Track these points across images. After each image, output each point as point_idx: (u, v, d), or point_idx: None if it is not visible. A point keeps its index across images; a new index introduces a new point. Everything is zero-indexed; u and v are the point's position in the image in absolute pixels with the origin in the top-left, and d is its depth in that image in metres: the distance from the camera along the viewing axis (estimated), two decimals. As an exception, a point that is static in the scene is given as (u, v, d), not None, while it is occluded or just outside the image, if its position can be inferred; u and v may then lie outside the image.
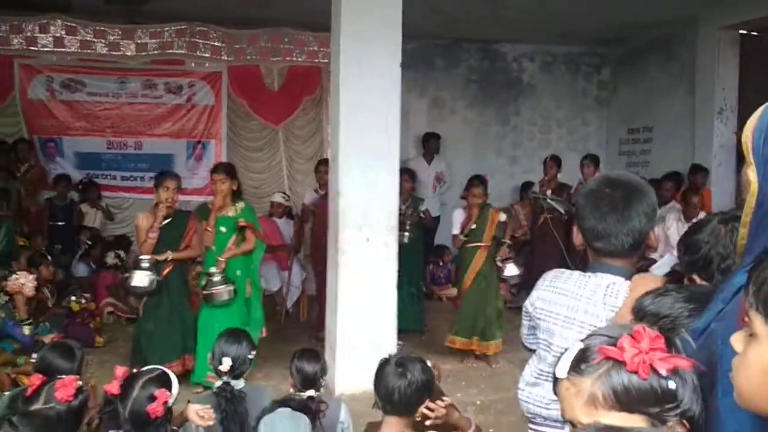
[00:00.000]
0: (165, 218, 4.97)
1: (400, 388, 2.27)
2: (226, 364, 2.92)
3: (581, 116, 9.78)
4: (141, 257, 4.86)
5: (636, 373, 1.02)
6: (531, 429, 2.02)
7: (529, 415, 2.02)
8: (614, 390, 1.03)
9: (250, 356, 3.05)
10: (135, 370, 2.47)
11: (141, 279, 4.81)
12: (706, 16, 7.64)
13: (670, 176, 7.43)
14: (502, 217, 5.89)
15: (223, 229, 5.04)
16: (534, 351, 2.09)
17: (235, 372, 2.96)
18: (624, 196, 1.84)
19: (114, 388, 2.39)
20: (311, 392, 2.90)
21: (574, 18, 7.88)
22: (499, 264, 5.81)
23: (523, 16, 7.76)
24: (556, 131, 9.69)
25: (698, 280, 1.65)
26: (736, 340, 0.99)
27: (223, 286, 4.92)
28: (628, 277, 1.82)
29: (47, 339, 4.93)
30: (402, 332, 6.27)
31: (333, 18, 4.95)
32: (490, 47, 9.34)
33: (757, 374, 0.93)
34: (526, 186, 8.55)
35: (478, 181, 5.86)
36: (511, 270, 5.89)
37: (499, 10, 7.42)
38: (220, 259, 4.99)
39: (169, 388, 2.45)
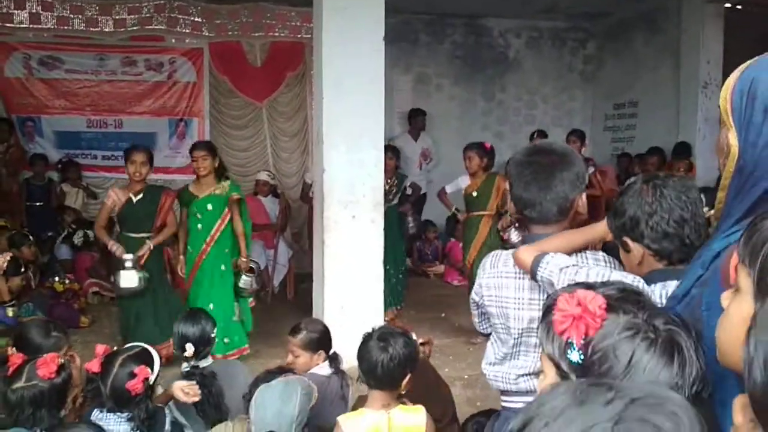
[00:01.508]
0: (137, 194, 4.89)
1: (382, 362, 2.30)
2: (189, 349, 2.91)
3: (567, 92, 9.76)
4: (124, 257, 4.74)
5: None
6: (503, 402, 2.04)
7: (500, 392, 2.04)
8: None
9: (212, 335, 3.04)
10: (116, 348, 2.46)
11: (129, 279, 4.73)
12: (691, -11, 7.62)
13: (653, 151, 7.46)
14: (506, 185, 5.89)
15: (209, 206, 4.94)
16: (488, 336, 2.12)
17: (199, 354, 2.94)
18: (548, 164, 1.87)
19: (95, 366, 2.40)
20: (332, 351, 2.97)
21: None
22: (502, 233, 5.80)
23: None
24: (541, 107, 9.67)
25: (630, 243, 1.64)
26: (725, 298, 0.99)
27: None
28: None
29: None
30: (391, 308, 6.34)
31: (315, -9, 4.87)
32: (475, 22, 9.26)
33: (736, 327, 0.92)
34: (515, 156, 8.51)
35: (471, 145, 5.85)
36: (515, 236, 5.89)
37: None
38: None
39: (151, 366, 2.44)
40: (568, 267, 1.70)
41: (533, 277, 1.78)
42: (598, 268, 1.73)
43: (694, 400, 0.99)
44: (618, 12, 8.89)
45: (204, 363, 2.97)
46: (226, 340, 4.88)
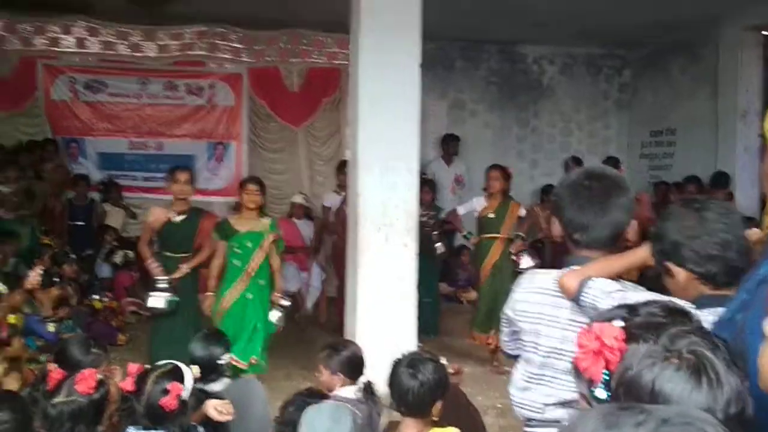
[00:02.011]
0: (179, 213, 4.95)
1: (413, 389, 2.29)
2: (195, 370, 2.92)
3: (602, 119, 9.70)
4: (158, 278, 4.79)
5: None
6: (526, 431, 1.99)
7: (524, 420, 1.99)
8: None
9: (221, 360, 3.03)
10: (148, 366, 2.50)
11: (158, 301, 4.78)
12: (729, 17, 7.55)
13: (691, 180, 7.35)
14: (522, 212, 5.87)
15: (249, 244, 4.90)
16: (515, 357, 2.07)
17: (206, 378, 2.94)
18: (603, 188, 1.85)
19: (128, 385, 2.42)
20: (364, 378, 2.91)
21: (595, 19, 7.82)
22: (514, 257, 5.77)
23: (544, 16, 7.71)
24: (576, 134, 9.62)
25: (673, 267, 1.61)
26: (767, 325, 0.98)
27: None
28: None
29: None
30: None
31: (352, 19, 4.95)
32: (510, 49, 9.29)
33: None
34: (547, 189, 8.49)
35: (497, 166, 5.88)
36: (527, 261, 5.81)
37: (519, 10, 7.38)
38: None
39: (183, 382, 2.47)
40: (612, 292, 1.67)
41: (576, 302, 1.76)
42: (645, 292, 1.68)
43: (736, 421, 0.95)
44: (654, 40, 8.84)
45: (215, 387, 2.96)
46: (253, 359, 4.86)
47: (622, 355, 1.03)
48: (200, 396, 2.84)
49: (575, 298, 1.75)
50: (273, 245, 5.00)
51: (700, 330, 1.10)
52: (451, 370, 2.72)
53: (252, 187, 4.94)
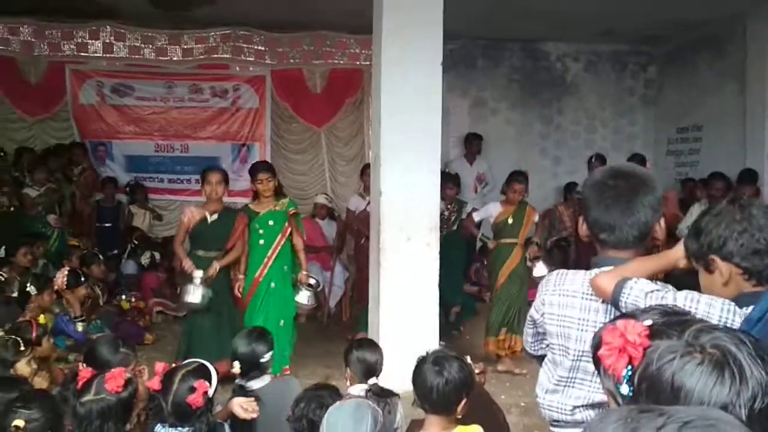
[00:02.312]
0: (212, 213, 5.04)
1: (437, 386, 2.28)
2: (236, 366, 2.95)
3: (627, 115, 9.59)
4: (194, 273, 4.84)
5: None
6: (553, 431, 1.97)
7: (551, 421, 1.97)
8: None
9: (263, 359, 3.06)
10: (174, 365, 2.53)
11: (195, 295, 4.83)
12: (756, 12, 7.41)
13: (718, 176, 7.23)
14: (536, 218, 5.85)
15: (271, 222, 5.05)
16: (538, 358, 2.06)
17: (247, 374, 2.98)
18: (629, 187, 1.82)
19: (155, 383, 2.47)
20: (373, 380, 2.92)
21: (620, 16, 7.74)
22: (529, 264, 5.74)
23: (567, 14, 7.65)
24: (601, 131, 9.53)
25: (719, 260, 1.59)
26: None
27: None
28: None
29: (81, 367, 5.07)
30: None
31: (374, 19, 4.97)
32: (532, 46, 9.24)
33: None
34: (570, 187, 8.43)
35: (521, 177, 5.80)
36: (541, 269, 5.76)
37: (543, 9, 7.33)
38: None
39: (209, 380, 2.51)
40: (653, 291, 1.65)
41: (615, 304, 1.72)
42: (685, 291, 1.66)
43: (762, 417, 0.93)
44: (680, 35, 8.72)
45: (256, 384, 3.00)
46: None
47: (645, 351, 1.03)
48: (240, 392, 2.89)
49: (614, 300, 1.72)
50: (294, 222, 5.09)
51: (724, 326, 1.09)
52: (477, 370, 2.72)
53: (263, 176, 5.05)
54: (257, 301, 5.00)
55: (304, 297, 5.14)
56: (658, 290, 1.65)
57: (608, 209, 1.83)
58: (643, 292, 1.65)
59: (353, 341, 3.05)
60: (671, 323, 1.08)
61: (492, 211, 5.93)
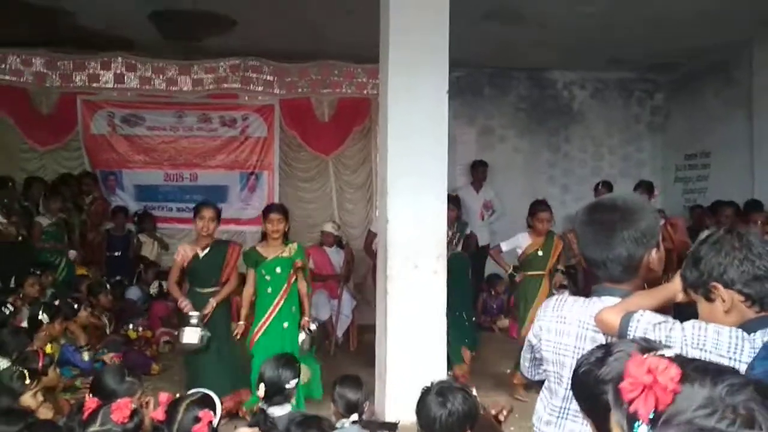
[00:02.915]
0: (203, 248, 5.01)
1: (440, 418, 2.26)
2: (261, 389, 2.94)
3: (634, 143, 9.60)
4: (190, 314, 4.83)
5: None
6: None
7: None
8: None
9: (289, 385, 3.04)
10: (178, 396, 2.52)
11: (191, 336, 4.82)
12: (763, 39, 7.46)
13: (727, 203, 7.20)
14: (561, 245, 5.80)
15: (278, 270, 5.01)
16: (536, 383, 2.05)
17: (270, 399, 2.97)
18: (608, 223, 1.80)
19: (159, 414, 2.45)
20: (354, 417, 2.91)
21: (627, 44, 7.81)
22: (555, 292, 5.68)
23: (574, 43, 7.72)
24: (608, 158, 9.54)
25: (721, 288, 1.59)
26: None
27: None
28: None
29: (107, 358, 5.08)
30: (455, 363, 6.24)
31: (381, 48, 5.02)
32: (539, 74, 9.31)
33: None
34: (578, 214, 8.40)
35: (544, 206, 5.76)
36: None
37: (545, 36, 7.40)
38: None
39: (213, 410, 2.49)
40: (660, 323, 1.63)
41: (623, 338, 1.68)
42: (691, 321, 1.64)
43: None
44: (687, 63, 8.77)
45: (277, 411, 2.97)
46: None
47: (674, 396, 0.99)
48: (261, 417, 2.86)
49: (620, 334, 1.69)
50: (300, 271, 5.06)
51: (756, 381, 1.04)
52: (493, 412, 2.61)
53: (274, 216, 5.02)
54: (273, 341, 4.93)
55: (300, 339, 5.07)
56: (665, 322, 1.64)
57: (589, 246, 1.84)
58: (651, 324, 1.64)
59: (338, 377, 3.06)
60: (703, 369, 1.03)
61: (522, 242, 5.81)
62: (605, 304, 1.78)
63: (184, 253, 5.02)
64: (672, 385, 0.99)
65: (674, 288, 1.76)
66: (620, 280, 1.82)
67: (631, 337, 1.66)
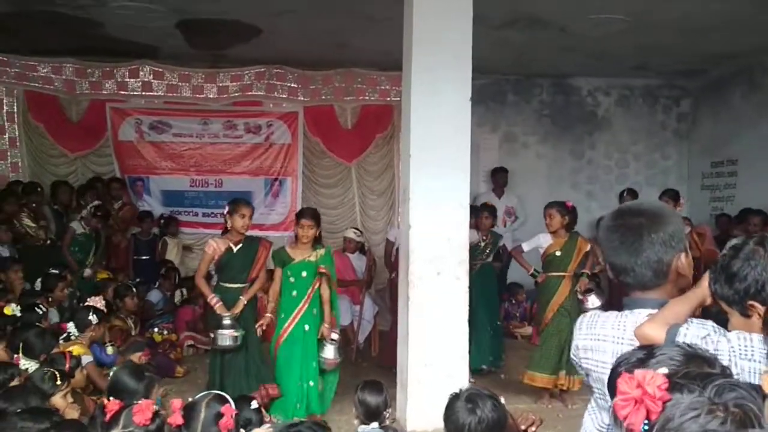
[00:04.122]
0: (236, 244, 5.07)
1: (470, 425, 2.23)
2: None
3: (660, 150, 9.50)
4: (223, 316, 4.88)
5: None
6: None
7: None
8: None
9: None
10: (190, 399, 2.52)
11: (228, 338, 4.88)
12: (792, 44, 7.34)
13: (755, 212, 7.09)
14: (589, 247, 5.72)
15: (304, 273, 5.07)
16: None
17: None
18: (635, 226, 1.77)
19: (177, 418, 2.42)
20: (375, 425, 2.91)
21: (653, 50, 7.74)
22: (580, 297, 5.62)
23: (600, 50, 7.67)
24: (633, 165, 9.45)
25: (759, 306, 1.56)
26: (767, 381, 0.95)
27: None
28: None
29: (135, 357, 5.14)
30: (479, 370, 6.23)
31: (404, 55, 5.05)
32: (563, 81, 9.26)
33: None
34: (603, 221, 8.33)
35: (555, 205, 5.73)
36: (594, 301, 5.63)
37: (571, 43, 7.37)
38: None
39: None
40: (707, 336, 1.60)
41: None
42: (735, 332, 1.61)
43: None
44: (714, 69, 8.66)
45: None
46: (297, 405, 4.92)
47: (664, 404, 1.01)
48: None
49: None
50: (324, 276, 5.09)
51: (747, 382, 1.07)
52: (523, 427, 2.58)
53: (305, 222, 5.08)
54: (295, 345, 5.01)
55: (330, 352, 5.07)
56: (710, 334, 1.62)
57: (617, 252, 1.79)
58: (698, 338, 1.61)
59: (360, 383, 3.08)
60: (692, 376, 1.05)
61: (542, 241, 5.81)
62: (639, 319, 1.75)
63: (216, 246, 5.03)
64: (659, 393, 1.00)
65: (703, 293, 1.73)
66: (650, 287, 1.79)
67: None
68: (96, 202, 7.25)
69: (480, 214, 6.50)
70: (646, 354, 1.33)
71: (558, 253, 5.67)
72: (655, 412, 1.01)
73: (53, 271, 6.21)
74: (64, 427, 2.61)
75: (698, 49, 7.69)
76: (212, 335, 4.98)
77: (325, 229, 7.99)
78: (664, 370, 1.08)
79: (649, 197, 7.65)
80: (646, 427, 1.01)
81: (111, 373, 4.80)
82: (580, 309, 5.62)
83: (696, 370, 1.07)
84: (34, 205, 7.01)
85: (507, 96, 9.19)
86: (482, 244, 6.48)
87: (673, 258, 1.78)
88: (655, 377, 1.03)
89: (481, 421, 2.23)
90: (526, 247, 5.98)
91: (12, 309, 4.79)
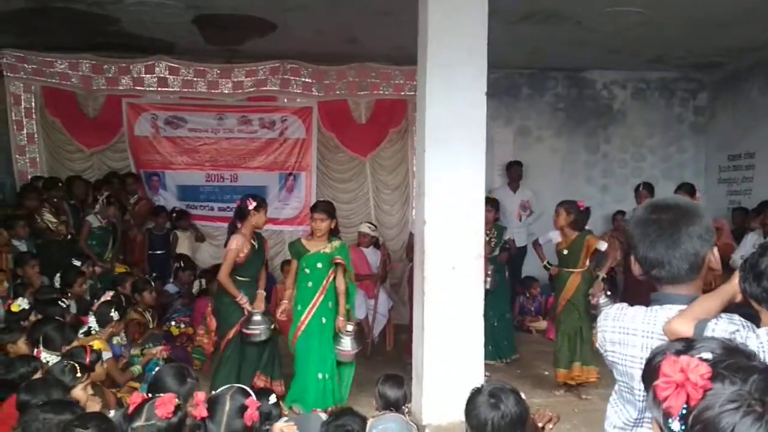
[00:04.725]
0: (252, 240, 5.21)
1: (492, 420, 2.21)
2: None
3: (676, 143, 9.43)
4: (253, 311, 5.07)
5: None
6: None
7: None
8: None
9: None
10: (213, 392, 2.54)
11: (262, 333, 5.06)
12: (811, 36, 7.24)
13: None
14: (602, 246, 5.69)
15: (319, 265, 5.13)
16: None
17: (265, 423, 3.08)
18: (673, 219, 1.77)
19: (201, 411, 2.44)
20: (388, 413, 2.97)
21: (669, 44, 7.67)
22: (591, 299, 5.63)
23: (617, 45, 7.62)
24: (649, 159, 9.39)
25: None
26: None
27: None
28: None
29: (155, 351, 5.22)
30: (493, 361, 6.28)
31: (419, 50, 5.04)
32: (577, 75, 9.21)
33: None
34: (617, 216, 8.31)
35: (562, 202, 5.79)
36: (605, 301, 5.66)
37: (587, 36, 7.32)
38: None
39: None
40: (736, 332, 1.61)
41: None
42: (765, 328, 1.62)
43: None
44: (730, 62, 8.57)
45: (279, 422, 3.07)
46: (317, 397, 5.02)
47: (704, 393, 1.02)
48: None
49: None
50: (340, 268, 5.13)
51: None
52: (540, 424, 2.58)
53: (318, 215, 5.14)
54: (312, 338, 5.08)
55: (347, 344, 5.14)
56: (739, 330, 1.62)
57: (654, 245, 1.78)
58: (727, 333, 1.61)
59: (381, 376, 3.13)
60: (734, 368, 1.06)
61: (552, 237, 5.94)
62: (670, 314, 1.75)
63: (242, 244, 5.08)
64: (702, 382, 1.02)
65: (733, 289, 1.74)
66: (683, 281, 1.79)
67: None
68: (106, 193, 7.31)
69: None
70: (684, 346, 1.32)
71: (565, 252, 5.72)
72: (695, 399, 1.02)
73: (76, 262, 6.32)
74: (89, 419, 2.64)
75: (715, 42, 7.61)
76: (246, 331, 5.07)
77: (340, 223, 7.98)
78: (708, 356, 1.09)
79: (665, 191, 7.59)
80: (684, 412, 1.03)
81: (138, 369, 4.92)
82: (587, 309, 5.63)
83: (738, 362, 1.07)
84: (55, 200, 7.09)
85: (521, 90, 9.15)
86: (486, 238, 6.48)
87: (707, 251, 1.78)
88: (699, 365, 1.04)
89: (504, 415, 2.21)
90: (541, 240, 6.17)
91: (19, 305, 4.84)
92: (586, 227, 5.88)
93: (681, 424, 1.02)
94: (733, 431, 0.97)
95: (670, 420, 1.04)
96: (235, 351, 5.16)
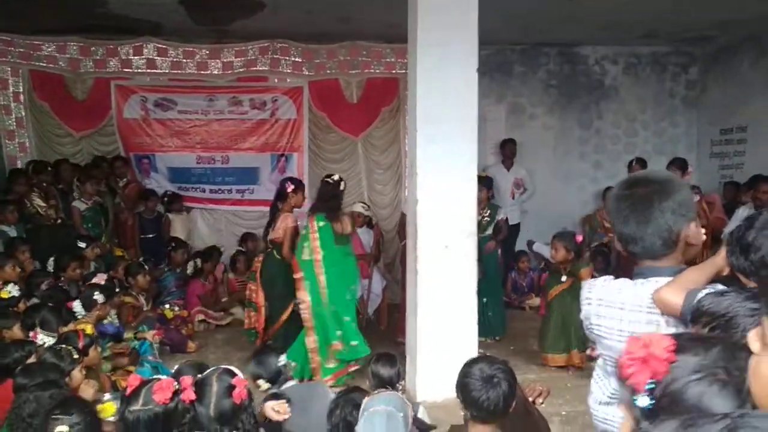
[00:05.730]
0: None
1: (486, 393, 2.24)
2: (264, 385, 3.22)
3: (668, 118, 9.42)
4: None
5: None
6: None
7: None
8: None
9: (279, 364, 3.33)
10: (199, 375, 2.53)
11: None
12: (803, 8, 7.21)
13: (765, 178, 7.03)
14: (588, 277, 5.77)
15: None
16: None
17: (276, 383, 3.24)
18: (645, 195, 1.77)
19: (189, 394, 2.40)
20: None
21: (661, 18, 7.62)
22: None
23: (607, 18, 7.57)
24: (642, 134, 9.38)
25: None
26: (752, 339, 0.97)
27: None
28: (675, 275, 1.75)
29: (149, 335, 5.23)
30: (483, 338, 6.32)
31: (409, 27, 5.00)
32: (570, 50, 9.16)
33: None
34: (610, 191, 8.31)
35: (560, 236, 5.74)
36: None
37: (578, 12, 7.27)
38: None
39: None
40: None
41: (686, 316, 1.66)
42: (749, 300, 1.60)
43: None
44: (722, 35, 8.54)
45: (285, 385, 3.18)
46: (353, 342, 5.33)
47: (669, 365, 1.03)
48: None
49: (685, 312, 1.66)
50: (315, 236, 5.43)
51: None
52: (531, 399, 2.59)
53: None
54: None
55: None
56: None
57: (627, 220, 1.79)
58: None
59: (374, 355, 3.17)
60: (697, 339, 1.08)
61: (546, 253, 6.18)
62: (655, 286, 1.75)
63: (294, 222, 5.76)
64: (666, 354, 1.03)
65: (721, 262, 1.73)
66: (659, 256, 1.79)
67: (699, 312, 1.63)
68: (77, 176, 7.34)
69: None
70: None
71: (563, 278, 5.72)
72: (661, 372, 1.03)
73: (81, 244, 6.33)
74: (71, 404, 2.66)
75: (706, 16, 7.57)
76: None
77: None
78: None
79: (658, 166, 7.61)
80: (652, 386, 1.03)
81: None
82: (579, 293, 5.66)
83: (701, 334, 1.09)
84: (44, 184, 7.04)
85: (513, 66, 9.10)
86: (479, 217, 6.49)
87: (683, 227, 1.78)
88: (662, 339, 1.05)
89: (497, 389, 2.24)
90: (536, 248, 6.17)
91: (8, 291, 4.83)
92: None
93: (650, 399, 1.03)
94: (700, 401, 0.97)
95: (636, 397, 1.04)
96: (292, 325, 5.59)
